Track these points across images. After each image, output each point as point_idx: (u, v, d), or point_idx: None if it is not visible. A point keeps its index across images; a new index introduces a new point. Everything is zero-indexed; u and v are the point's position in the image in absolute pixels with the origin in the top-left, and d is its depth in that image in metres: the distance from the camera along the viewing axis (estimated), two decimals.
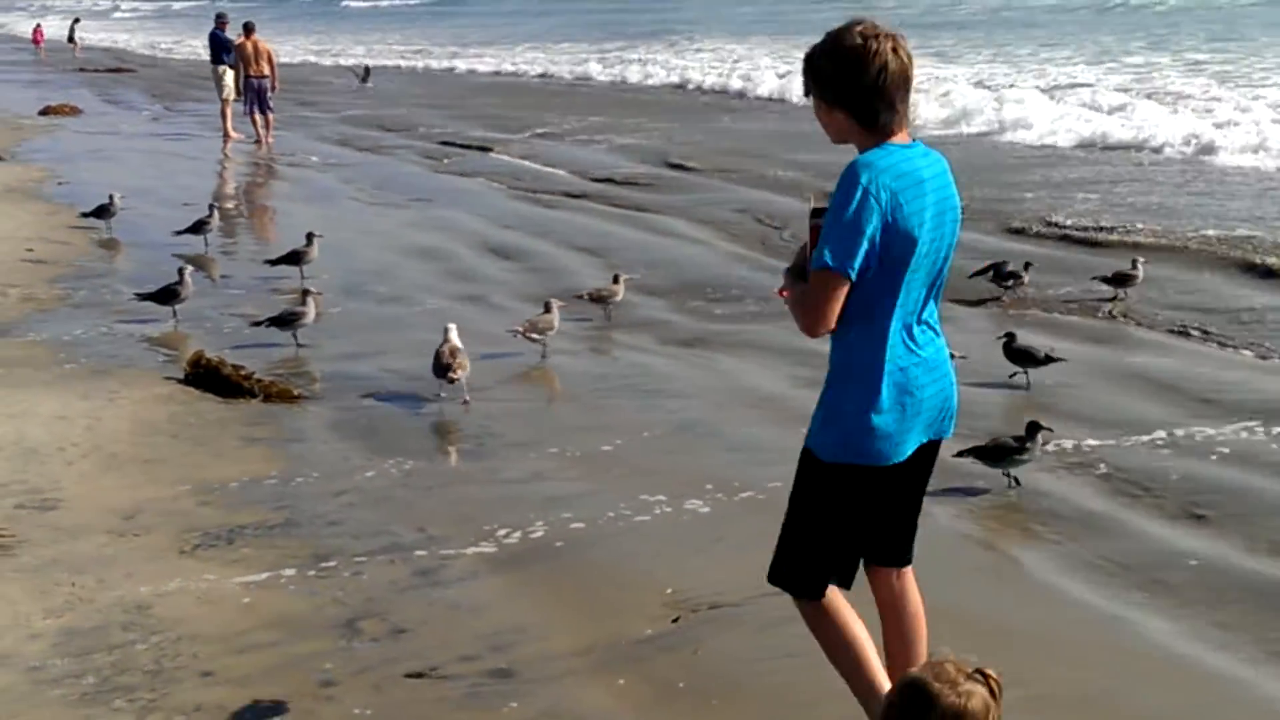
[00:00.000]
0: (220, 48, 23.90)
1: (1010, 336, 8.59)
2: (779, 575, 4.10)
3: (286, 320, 9.73)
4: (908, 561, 4.16)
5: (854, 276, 3.76)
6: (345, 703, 4.63)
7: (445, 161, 20.49)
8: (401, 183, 18.58)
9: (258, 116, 23.02)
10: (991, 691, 2.77)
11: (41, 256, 12.81)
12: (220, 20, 24.22)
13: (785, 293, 4.02)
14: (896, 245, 3.77)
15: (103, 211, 14.24)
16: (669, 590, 5.58)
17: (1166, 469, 6.86)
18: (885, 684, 3.93)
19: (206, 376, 8.63)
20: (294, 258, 11.82)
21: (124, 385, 8.57)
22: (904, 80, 3.84)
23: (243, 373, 8.68)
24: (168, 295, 10.34)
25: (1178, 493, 6.56)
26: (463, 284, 11.88)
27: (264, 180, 20.02)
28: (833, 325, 3.83)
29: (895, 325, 3.87)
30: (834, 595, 4.04)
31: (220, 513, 6.43)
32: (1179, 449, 7.17)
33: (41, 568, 5.73)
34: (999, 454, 6.70)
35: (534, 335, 9.47)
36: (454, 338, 8.48)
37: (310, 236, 11.87)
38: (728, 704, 4.64)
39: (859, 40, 3.82)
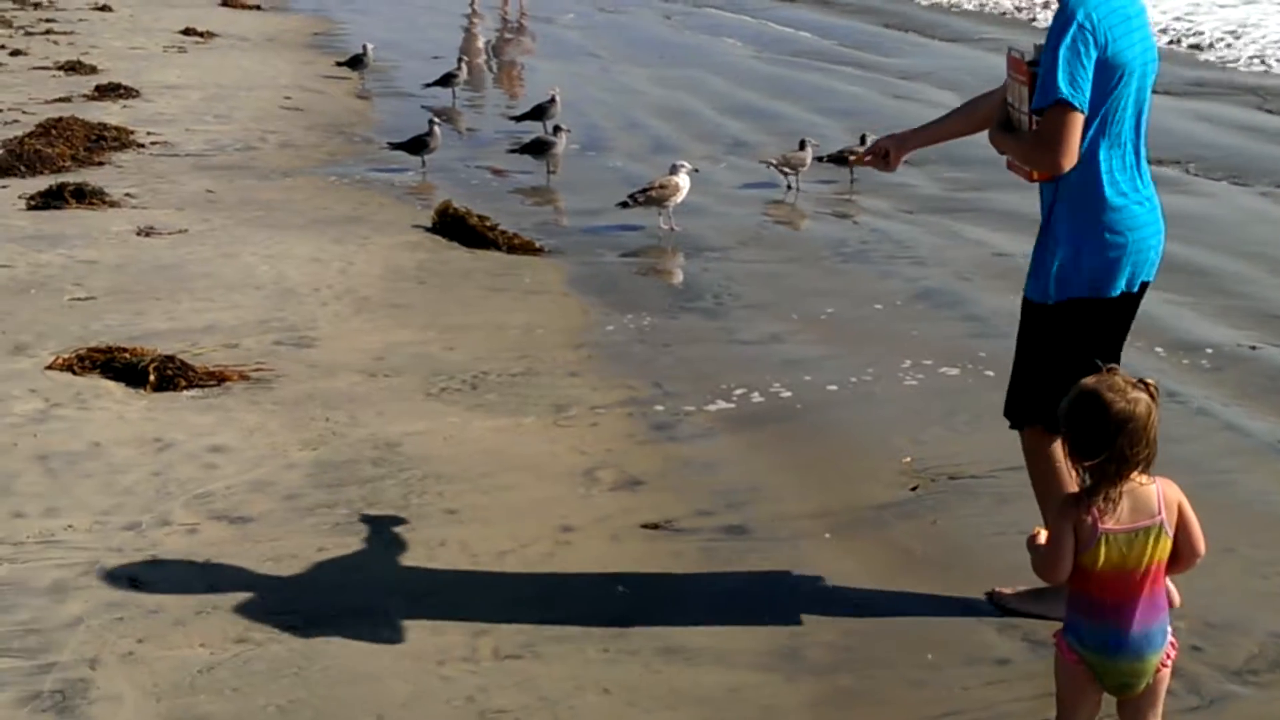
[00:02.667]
0: None
1: None
2: (1009, 408, 4.30)
3: (539, 147, 10.49)
4: None
5: (1083, 107, 3.83)
6: (584, 549, 4.72)
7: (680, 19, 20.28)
8: (646, 41, 18.48)
9: None
10: (1152, 397, 3.16)
11: (298, 104, 13.21)
12: None
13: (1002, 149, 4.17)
14: (1109, 79, 3.87)
15: (356, 62, 14.58)
16: (906, 459, 5.50)
17: None
18: None
19: (453, 225, 8.82)
20: (538, 113, 11.90)
21: (375, 231, 8.81)
22: None
23: (488, 223, 8.82)
24: (418, 145, 10.56)
25: None
26: (704, 143, 11.79)
27: (511, 36, 20.18)
28: (1076, 158, 3.88)
29: (1108, 165, 3.97)
30: (1049, 435, 4.12)
31: (465, 359, 6.59)
32: None
33: (298, 402, 5.97)
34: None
35: (785, 169, 9.74)
36: (678, 177, 8.97)
37: (554, 93, 11.92)
38: (964, 576, 4.56)
39: None
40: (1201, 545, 3.22)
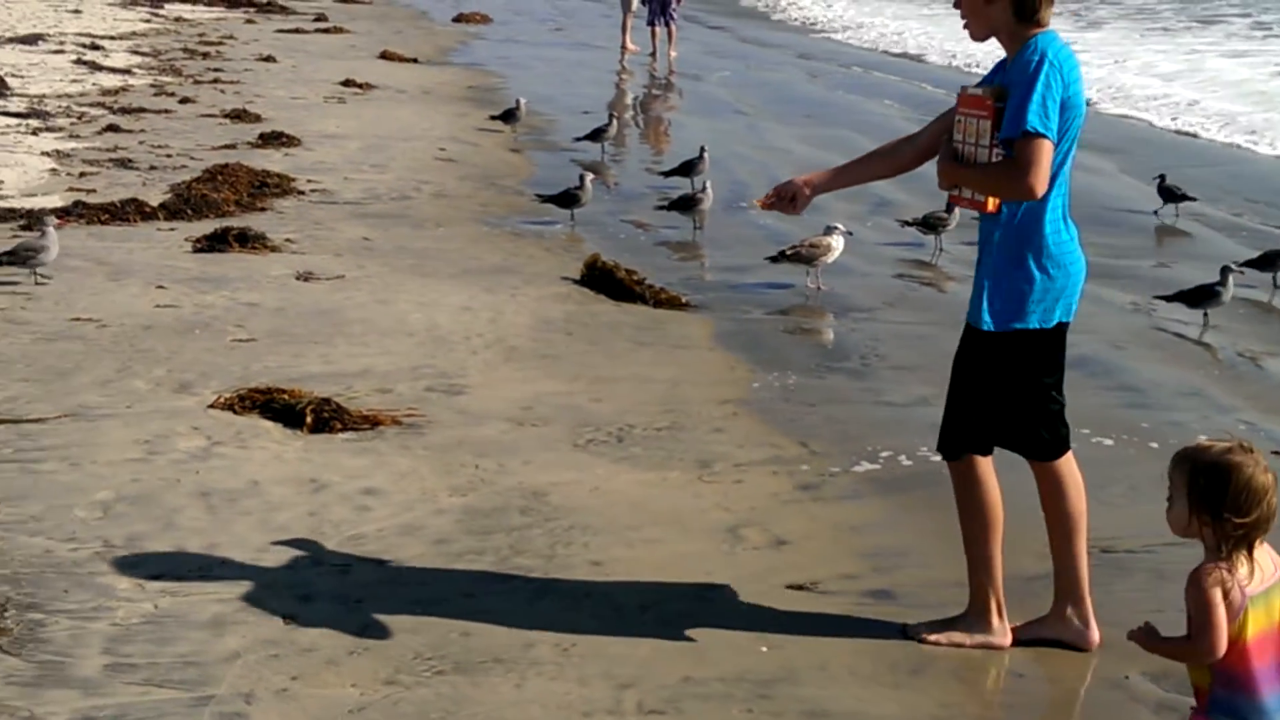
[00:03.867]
0: None
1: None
2: (944, 440, 4.57)
3: (687, 203, 10.64)
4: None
5: (1054, 140, 4.14)
6: (727, 607, 4.71)
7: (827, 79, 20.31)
8: (794, 99, 18.55)
9: (659, 29, 23.42)
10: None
11: (452, 156, 13.50)
12: None
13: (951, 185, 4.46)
14: (1067, 118, 4.18)
15: (509, 116, 14.86)
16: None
17: None
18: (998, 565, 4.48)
19: (601, 278, 8.91)
20: (686, 169, 11.99)
21: (524, 282, 8.95)
22: None
23: (635, 277, 8.90)
24: (568, 199, 10.72)
25: None
26: (850, 203, 11.76)
27: (659, 92, 20.41)
28: (1046, 186, 4.16)
29: (1057, 201, 4.26)
30: (982, 462, 4.51)
31: (611, 411, 6.64)
32: None
33: (448, 448, 6.07)
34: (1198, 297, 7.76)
35: (925, 229, 10.05)
36: (832, 238, 9.05)
37: (702, 149, 12.01)
38: (1117, 653, 4.44)
39: None
40: None
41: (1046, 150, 4.14)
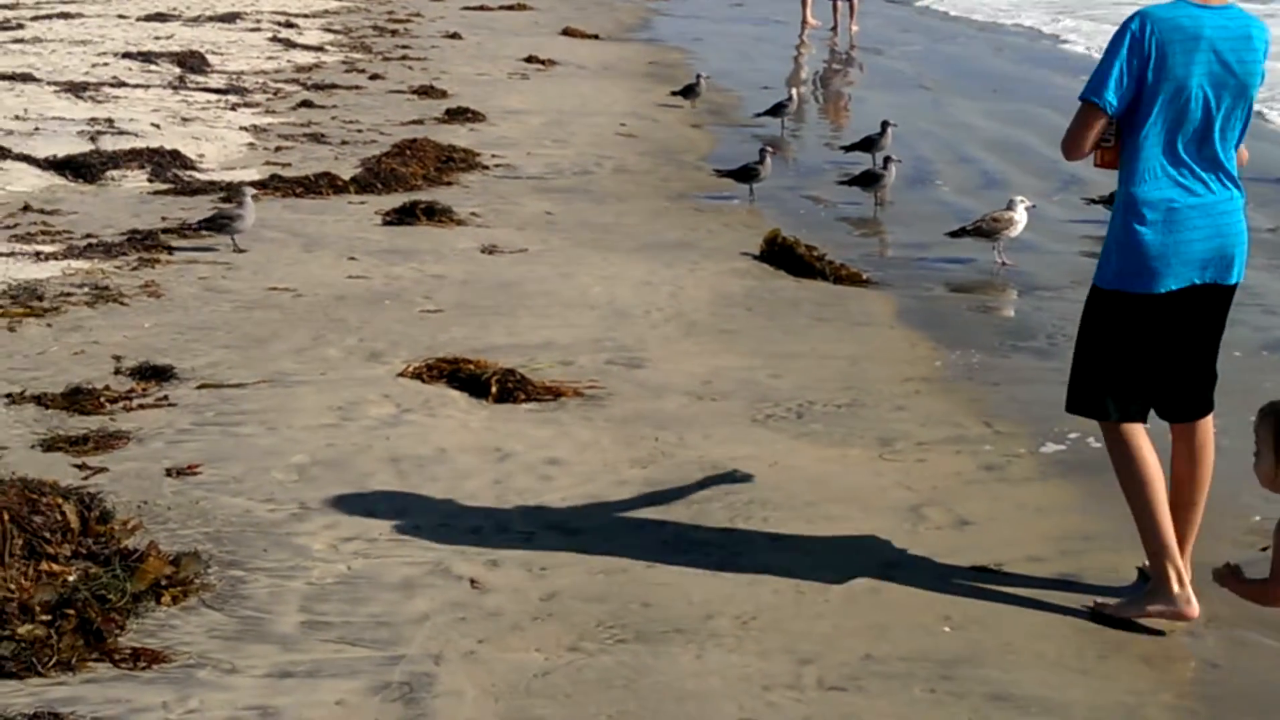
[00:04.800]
0: None
1: None
2: (1069, 399, 4.63)
3: (869, 179, 10.50)
4: (1197, 415, 4.56)
5: (1104, 107, 4.30)
6: (909, 586, 4.66)
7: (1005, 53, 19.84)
8: (976, 72, 18.18)
9: (840, 3, 23.16)
10: None
11: (632, 131, 13.58)
12: None
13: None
14: (1158, 86, 4.25)
15: (689, 91, 14.90)
16: (1257, 517, 5.21)
17: None
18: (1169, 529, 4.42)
19: (781, 254, 8.88)
20: (867, 144, 11.86)
21: (704, 257, 8.97)
22: None
23: (815, 253, 8.85)
24: (746, 174, 10.70)
25: None
26: (1037, 179, 11.51)
27: (840, 66, 20.21)
28: (1084, 151, 4.41)
29: (1162, 161, 4.32)
30: (1134, 428, 4.49)
31: (791, 387, 6.62)
32: None
33: (628, 420, 6.13)
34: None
35: (1107, 205, 9.48)
36: (1015, 212, 8.84)
37: (885, 125, 11.86)
38: None
39: None
40: None
41: (1089, 115, 4.35)
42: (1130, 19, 4.30)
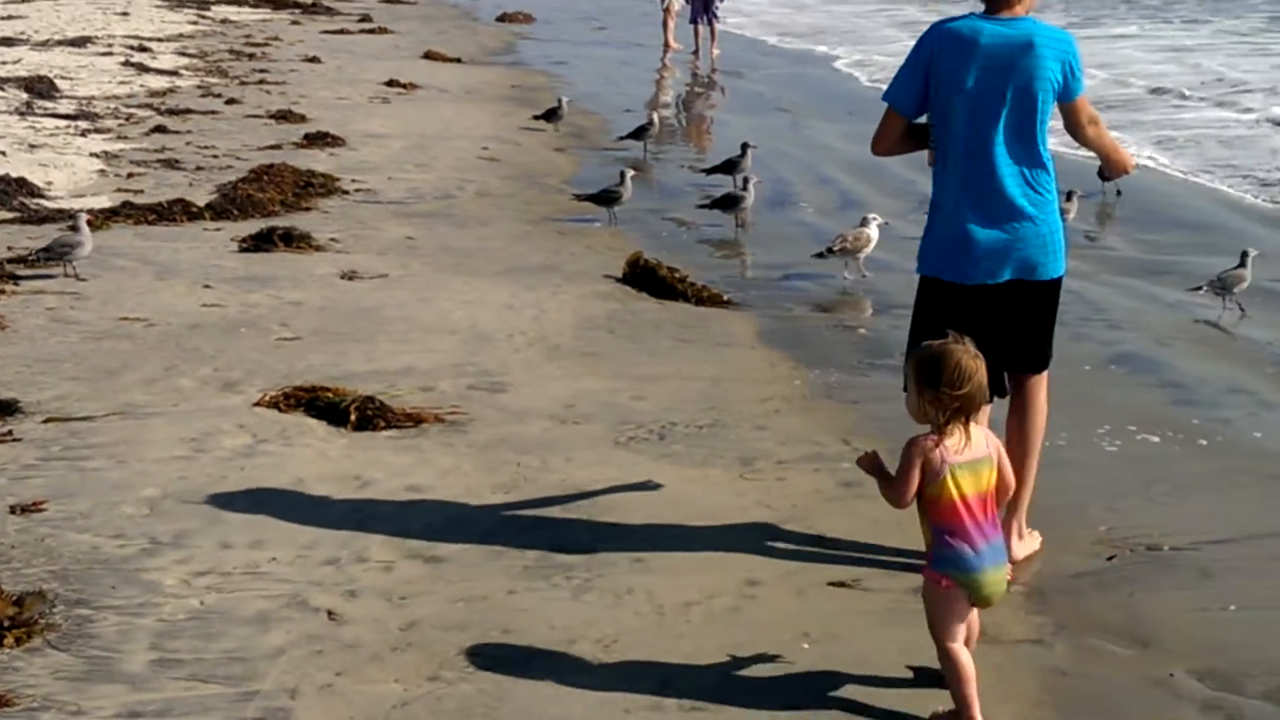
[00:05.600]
0: None
1: None
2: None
3: (729, 201, 10.62)
4: (1027, 371, 4.95)
5: (897, 108, 4.82)
6: (769, 604, 4.70)
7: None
8: (833, 95, 18.49)
9: (701, 27, 23.41)
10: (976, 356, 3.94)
11: (495, 155, 13.56)
12: None
13: None
14: (937, 95, 4.72)
15: (552, 115, 14.91)
16: (1103, 527, 5.36)
17: None
18: None
19: (643, 276, 8.92)
20: (728, 167, 11.99)
21: (566, 280, 8.97)
22: None
23: (677, 275, 8.91)
24: (607, 198, 10.74)
25: None
26: (894, 199, 11.74)
27: (701, 90, 20.40)
28: (883, 147, 4.96)
29: (951, 159, 4.75)
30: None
31: (653, 408, 6.64)
32: None
33: (491, 445, 6.10)
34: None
35: None
36: (870, 229, 9.17)
37: (745, 147, 12.00)
38: (1161, 651, 4.43)
39: None
40: (1012, 480, 4.09)
41: (886, 115, 4.89)
42: (927, 31, 4.82)
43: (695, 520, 5.39)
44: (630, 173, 10.98)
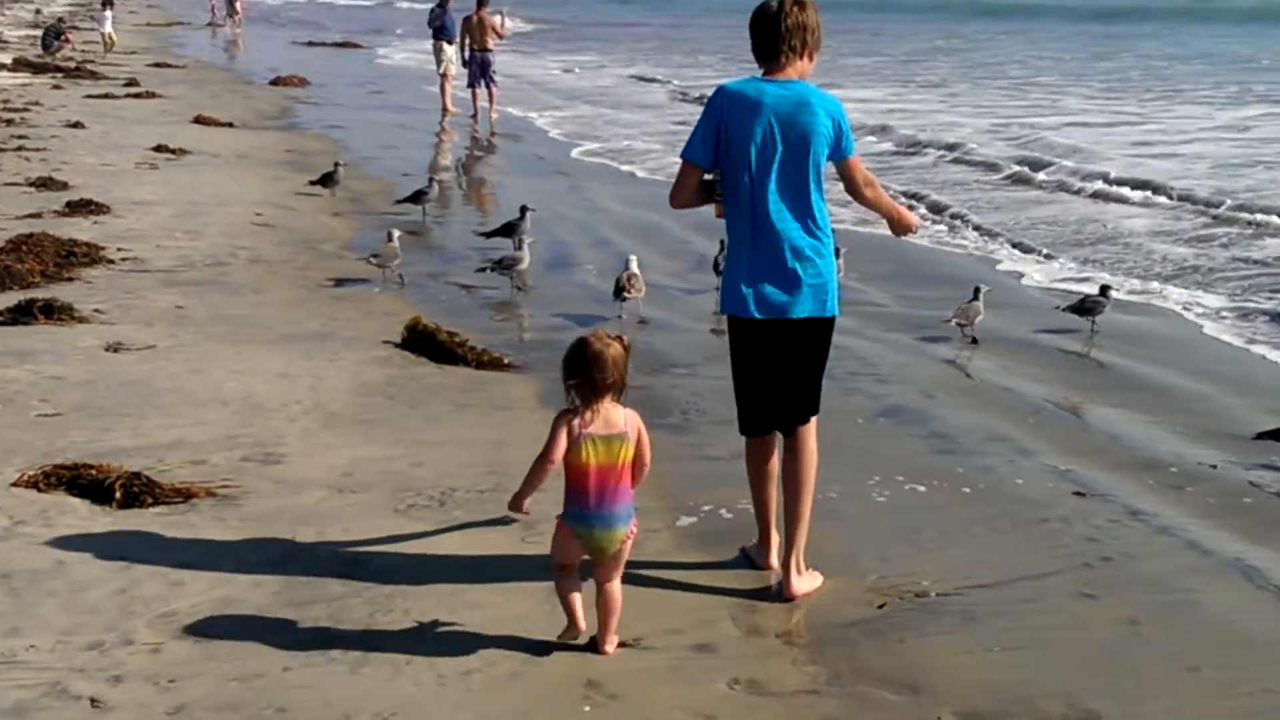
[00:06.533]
0: (441, 24, 24.41)
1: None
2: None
3: (507, 264, 10.71)
4: (799, 420, 5.37)
5: (693, 161, 5.23)
6: (552, 667, 4.69)
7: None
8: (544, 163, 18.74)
9: (479, 90, 23.50)
10: (625, 347, 4.69)
11: (269, 220, 13.31)
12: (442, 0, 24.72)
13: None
14: (729, 148, 5.15)
15: (328, 179, 14.73)
16: (873, 576, 5.52)
17: None
18: (770, 525, 5.59)
19: (422, 341, 8.86)
20: (508, 230, 12.03)
21: (344, 346, 8.85)
22: (769, 37, 5.19)
23: (457, 339, 8.88)
24: (381, 257, 10.77)
25: None
26: (671, 260, 11.95)
27: (481, 153, 20.44)
28: (680, 199, 5.35)
29: (743, 209, 5.18)
30: (755, 440, 5.51)
31: (433, 475, 6.59)
32: None
33: (265, 519, 5.95)
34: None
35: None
36: (633, 267, 9.79)
37: (524, 210, 12.07)
38: (930, 694, 4.57)
39: (760, 6, 5.25)
40: (649, 459, 4.78)
41: (682, 169, 5.29)
42: (714, 92, 5.22)
43: (477, 586, 5.35)
44: (397, 233, 10.97)
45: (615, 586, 4.79)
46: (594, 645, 4.82)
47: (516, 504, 4.93)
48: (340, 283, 10.82)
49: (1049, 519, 6.21)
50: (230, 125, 20.66)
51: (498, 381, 8.37)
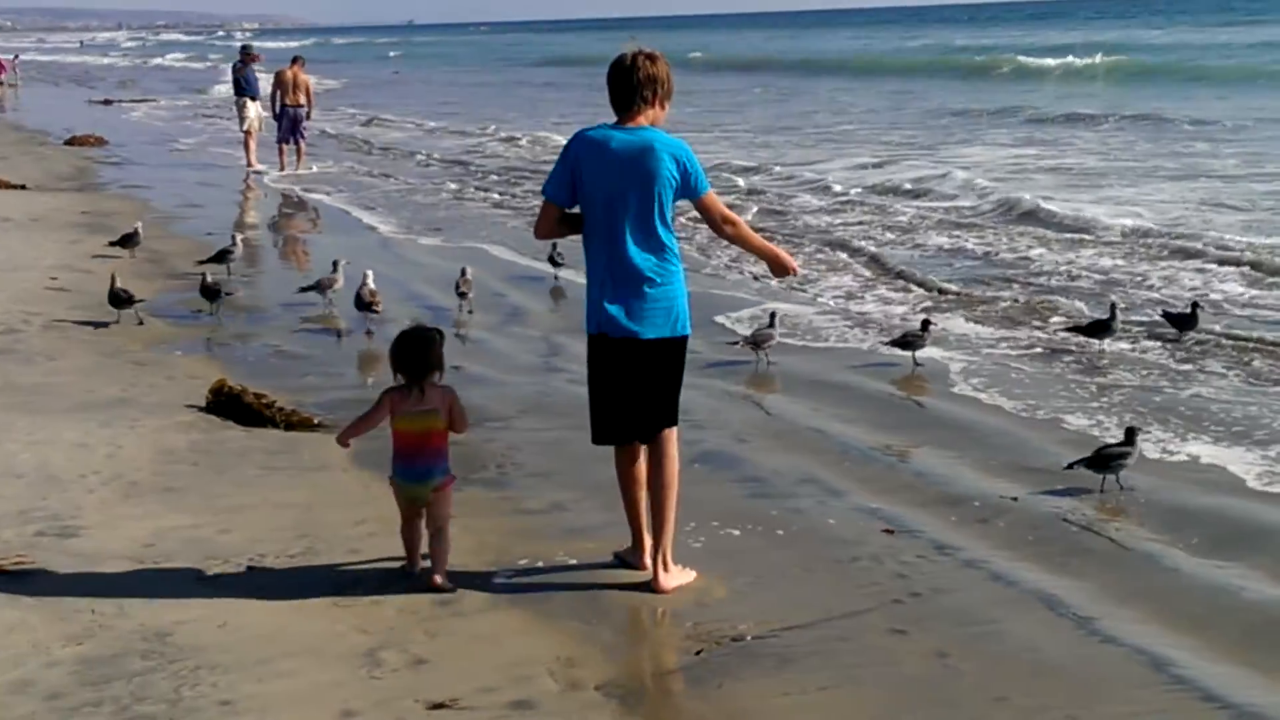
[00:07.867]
0: (244, 80, 24.02)
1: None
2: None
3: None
4: (659, 427, 5.87)
5: (553, 200, 5.80)
6: None
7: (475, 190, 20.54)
8: (430, 208, 18.63)
9: (287, 145, 23.16)
10: (440, 335, 5.98)
11: (65, 285, 12.86)
12: (246, 55, 24.34)
13: None
14: (583, 188, 5.70)
15: (129, 240, 14.32)
16: (690, 623, 5.54)
17: None
18: (641, 527, 6.10)
19: (228, 404, 8.63)
20: (319, 286, 11.84)
21: (145, 413, 8.57)
22: (623, 88, 5.72)
23: (264, 401, 8.67)
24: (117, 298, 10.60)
25: None
26: (485, 313, 11.89)
27: (289, 209, 20.11)
28: (542, 233, 5.99)
29: (595, 241, 5.75)
30: (622, 450, 6.01)
31: (241, 540, 6.40)
32: None
33: (61, 594, 5.69)
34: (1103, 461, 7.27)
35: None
36: (370, 282, 10.65)
37: (335, 264, 11.90)
38: None
39: (616, 59, 5.77)
40: (465, 425, 5.99)
41: (543, 206, 5.87)
42: (571, 138, 5.79)
43: (288, 654, 5.20)
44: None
45: (444, 533, 5.85)
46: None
47: (342, 439, 6.09)
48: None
49: (860, 557, 6.32)
50: (23, 188, 19.95)
51: (308, 442, 8.19)
